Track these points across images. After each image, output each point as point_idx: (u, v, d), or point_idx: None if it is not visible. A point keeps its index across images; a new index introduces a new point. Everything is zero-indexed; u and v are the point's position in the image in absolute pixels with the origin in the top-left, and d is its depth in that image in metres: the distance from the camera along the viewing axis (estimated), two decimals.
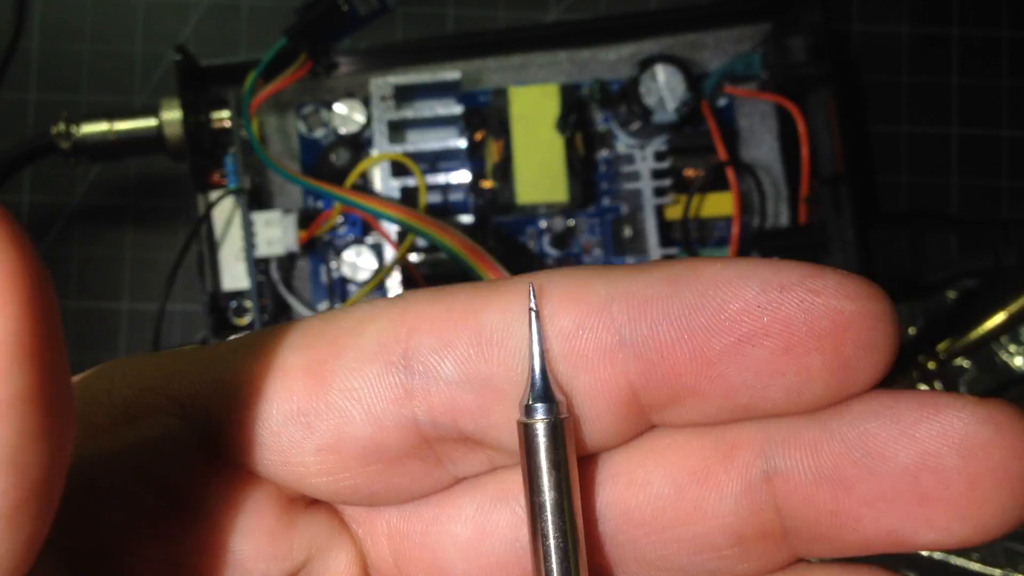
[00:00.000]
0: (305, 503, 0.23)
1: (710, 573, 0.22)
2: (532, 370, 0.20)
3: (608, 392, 0.20)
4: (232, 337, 0.23)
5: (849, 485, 0.20)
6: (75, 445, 0.20)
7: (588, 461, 0.22)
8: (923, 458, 0.19)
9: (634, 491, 0.22)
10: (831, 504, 0.20)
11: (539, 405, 0.20)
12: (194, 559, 0.21)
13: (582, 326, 0.20)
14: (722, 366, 0.20)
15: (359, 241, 0.62)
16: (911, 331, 0.65)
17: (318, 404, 0.21)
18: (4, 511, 0.14)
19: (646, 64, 0.59)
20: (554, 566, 0.21)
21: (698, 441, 0.21)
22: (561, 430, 0.20)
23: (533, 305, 0.20)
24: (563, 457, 0.21)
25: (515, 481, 0.22)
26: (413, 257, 0.61)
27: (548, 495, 0.21)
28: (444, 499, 0.23)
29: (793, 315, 0.19)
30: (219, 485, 0.21)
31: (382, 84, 0.60)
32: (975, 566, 0.62)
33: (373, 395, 0.21)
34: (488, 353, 0.21)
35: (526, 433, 0.21)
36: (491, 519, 0.22)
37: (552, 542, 0.21)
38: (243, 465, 0.21)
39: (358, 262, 0.61)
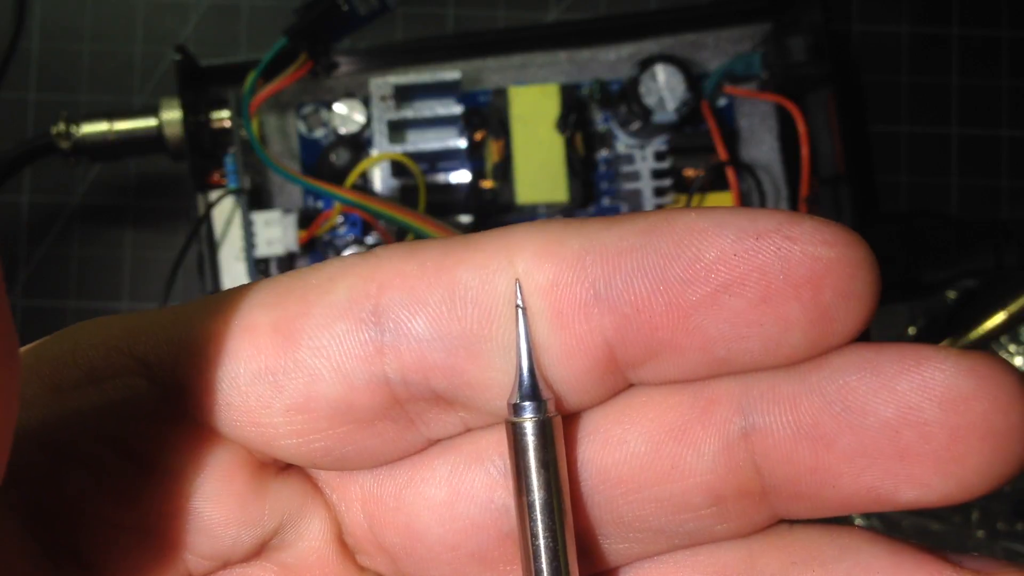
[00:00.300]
0: (276, 468, 0.22)
1: (688, 534, 0.21)
2: (519, 367, 0.20)
3: (585, 350, 0.20)
4: (202, 298, 0.22)
5: (829, 441, 0.19)
6: (40, 407, 0.20)
7: (564, 420, 0.21)
8: (904, 412, 0.18)
9: (610, 449, 0.21)
10: (811, 461, 0.19)
11: (527, 403, 0.20)
12: (162, 523, 0.21)
13: (556, 282, 0.20)
14: (699, 318, 0.19)
15: (359, 241, 0.62)
16: (911, 331, 0.65)
17: (286, 362, 0.20)
18: None
19: (646, 64, 0.59)
20: (544, 566, 0.20)
21: (676, 397, 0.21)
22: (550, 429, 0.20)
23: (519, 301, 0.20)
24: (552, 456, 0.20)
25: (489, 441, 0.22)
26: None
27: (537, 495, 0.20)
28: (417, 462, 0.22)
29: (770, 263, 0.18)
30: (187, 448, 0.21)
31: (382, 84, 0.60)
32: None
33: (343, 352, 0.20)
34: (462, 310, 0.20)
35: (515, 432, 0.20)
36: (465, 481, 0.22)
37: (542, 542, 0.20)
38: (212, 427, 0.21)
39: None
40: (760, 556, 0.21)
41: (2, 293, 0.15)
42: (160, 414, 0.21)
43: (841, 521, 0.21)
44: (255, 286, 0.21)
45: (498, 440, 0.21)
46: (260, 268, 0.60)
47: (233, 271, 0.59)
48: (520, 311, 0.20)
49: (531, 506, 0.20)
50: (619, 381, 0.21)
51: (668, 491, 0.21)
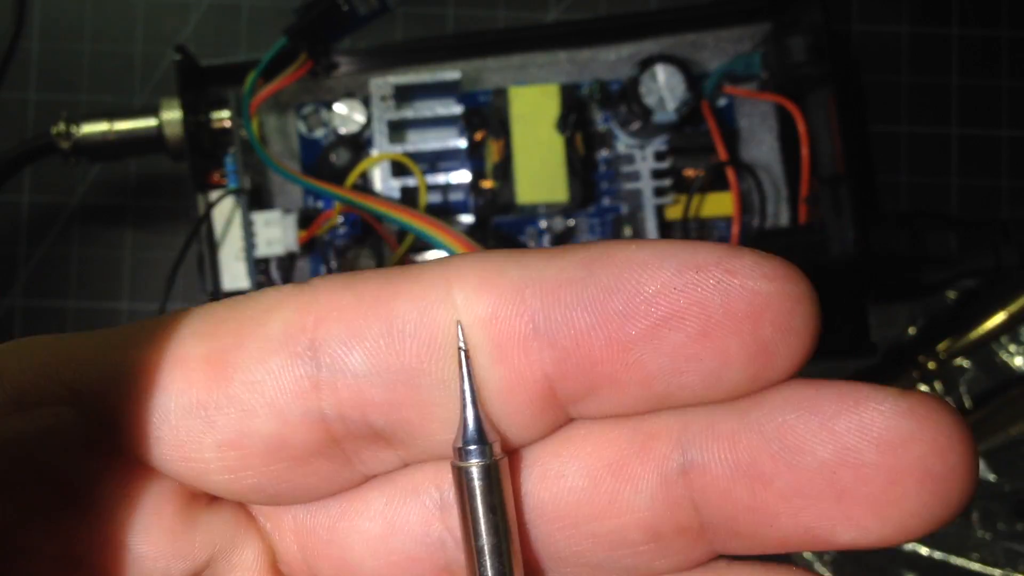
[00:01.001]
0: (208, 498, 0.22)
1: (626, 570, 0.21)
2: (463, 410, 0.20)
3: (525, 385, 0.20)
4: (136, 322, 0.21)
5: (766, 480, 0.19)
6: None
7: (505, 454, 0.21)
8: (842, 453, 0.18)
9: (547, 484, 0.21)
10: (748, 499, 0.19)
11: (472, 447, 0.20)
12: (92, 556, 0.20)
13: (495, 315, 0.19)
14: (638, 352, 0.19)
15: (359, 241, 0.62)
16: (911, 331, 0.65)
17: (219, 397, 0.20)
18: None
19: (646, 64, 0.59)
20: None
21: (615, 432, 0.21)
22: (496, 472, 0.20)
23: (462, 344, 0.19)
24: (499, 499, 0.20)
25: (425, 475, 0.21)
26: (413, 257, 0.61)
27: (486, 539, 0.20)
28: (352, 494, 0.22)
29: (709, 297, 0.18)
30: (115, 479, 0.20)
31: (382, 84, 0.60)
32: (975, 566, 0.62)
33: (277, 388, 0.20)
34: (400, 344, 0.19)
35: (461, 477, 0.20)
36: (400, 514, 0.21)
37: None
38: (141, 459, 0.20)
39: (358, 262, 0.61)
40: None
41: None
42: (88, 444, 0.20)
43: (782, 558, 0.21)
44: (190, 313, 0.21)
45: (434, 473, 0.21)
46: (260, 268, 0.60)
47: (233, 271, 0.59)
48: (462, 353, 0.19)
49: (480, 551, 0.20)
50: (559, 416, 0.21)
51: (606, 527, 0.21)
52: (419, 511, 0.21)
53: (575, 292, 0.19)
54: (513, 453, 0.21)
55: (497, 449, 0.20)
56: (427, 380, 0.20)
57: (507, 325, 0.19)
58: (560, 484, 0.21)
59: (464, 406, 0.20)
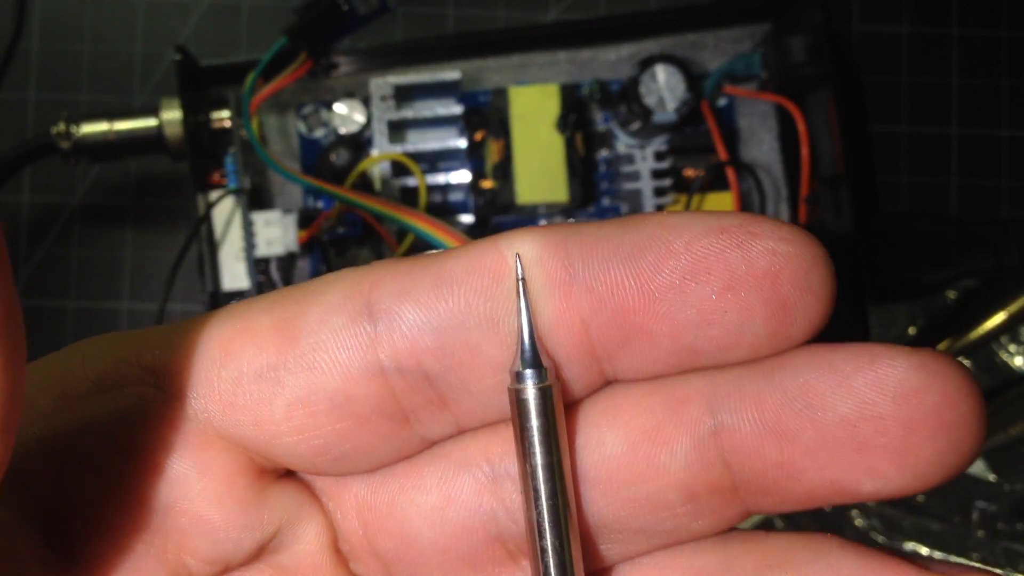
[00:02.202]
0: (275, 474, 0.23)
1: (667, 532, 0.22)
2: (520, 337, 0.21)
3: (563, 327, 0.21)
4: (206, 312, 0.23)
5: (792, 436, 0.20)
6: (51, 416, 0.21)
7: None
8: (861, 407, 0.20)
9: (589, 451, 0.22)
10: (776, 456, 0.21)
11: (528, 371, 0.21)
12: (169, 525, 0.21)
13: (538, 260, 0.21)
14: (668, 303, 0.20)
15: (359, 241, 0.62)
16: (911, 331, 0.65)
17: (286, 358, 0.21)
18: None
19: (646, 64, 0.59)
20: (547, 527, 0.21)
21: (649, 399, 0.22)
22: (550, 395, 0.21)
23: (520, 273, 0.21)
24: (552, 421, 0.21)
25: (477, 447, 0.23)
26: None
27: (540, 459, 0.21)
28: (409, 469, 0.23)
29: (733, 255, 0.20)
30: (191, 453, 0.22)
31: (382, 84, 0.60)
32: (975, 566, 0.62)
33: (339, 344, 0.21)
34: (448, 294, 0.21)
35: (517, 399, 0.21)
36: (455, 486, 0.23)
37: (544, 504, 0.21)
38: (215, 431, 0.22)
39: (358, 262, 0.61)
40: (737, 559, 0.22)
41: (13, 297, 0.16)
42: (167, 420, 0.22)
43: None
44: (256, 297, 0.23)
45: (485, 445, 0.23)
46: (260, 268, 0.60)
47: (233, 271, 0.59)
48: (520, 282, 0.21)
49: (534, 470, 0.21)
50: (596, 371, 0.22)
51: (645, 490, 0.22)
52: (472, 483, 0.23)
53: (611, 246, 0.21)
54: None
55: (551, 374, 0.21)
56: (474, 321, 0.21)
57: (548, 268, 0.21)
58: (600, 451, 0.22)
59: (521, 332, 0.21)
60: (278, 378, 0.21)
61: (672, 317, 0.20)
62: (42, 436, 0.21)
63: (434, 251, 0.22)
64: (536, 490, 0.21)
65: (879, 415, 0.19)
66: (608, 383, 0.22)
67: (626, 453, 0.22)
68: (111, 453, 0.21)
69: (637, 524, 0.22)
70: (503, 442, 0.23)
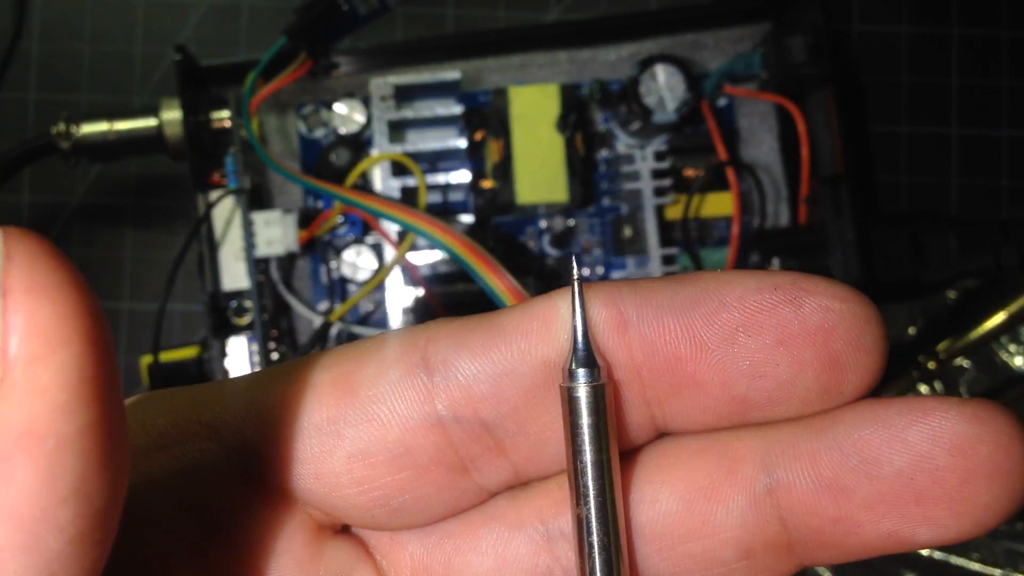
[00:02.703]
0: (332, 531, 0.23)
1: None
2: (575, 336, 0.21)
3: (617, 370, 0.22)
4: (153, 358, 0.23)
5: (849, 492, 0.21)
6: None
7: None
8: (917, 460, 0.20)
9: (644, 508, 0.22)
10: (833, 512, 0.21)
11: (581, 370, 0.21)
12: None
13: (594, 312, 0.21)
14: (719, 353, 0.21)
15: (359, 241, 0.62)
16: (911, 331, 0.65)
17: (346, 411, 0.22)
18: (72, 537, 0.15)
19: (646, 64, 0.59)
20: (595, 524, 0.21)
21: (702, 457, 0.22)
22: (602, 394, 0.21)
23: (576, 274, 0.21)
24: (604, 420, 0.21)
25: (532, 508, 0.23)
26: (413, 257, 0.61)
27: (590, 456, 0.21)
28: (464, 530, 0.23)
29: (785, 310, 0.20)
30: (254, 510, 0.22)
31: (382, 84, 0.60)
32: (975, 566, 0.62)
33: (397, 397, 0.22)
34: (501, 343, 0.22)
35: (569, 396, 0.21)
36: (511, 547, 0.23)
37: (593, 501, 0.21)
38: (276, 487, 0.22)
39: (358, 262, 0.61)
40: None
41: (118, 380, 0.16)
42: (227, 476, 0.22)
43: None
44: (315, 354, 0.23)
45: (539, 507, 0.23)
46: (260, 268, 0.60)
47: (233, 271, 0.59)
48: (576, 283, 0.21)
49: (583, 467, 0.21)
50: (647, 417, 0.22)
51: (700, 547, 0.22)
52: (527, 544, 0.23)
53: (665, 298, 0.21)
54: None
55: (603, 373, 0.21)
56: (528, 367, 0.22)
57: (604, 315, 0.21)
58: (655, 508, 0.22)
59: (575, 332, 0.21)
60: (338, 431, 0.22)
61: (724, 367, 0.21)
62: None
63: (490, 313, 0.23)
64: (585, 487, 0.21)
65: (935, 467, 0.20)
66: (660, 435, 0.23)
67: (681, 511, 0.22)
68: (174, 510, 0.21)
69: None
70: (555, 503, 0.23)
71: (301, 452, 0.22)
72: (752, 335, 0.20)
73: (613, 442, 0.22)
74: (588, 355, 0.21)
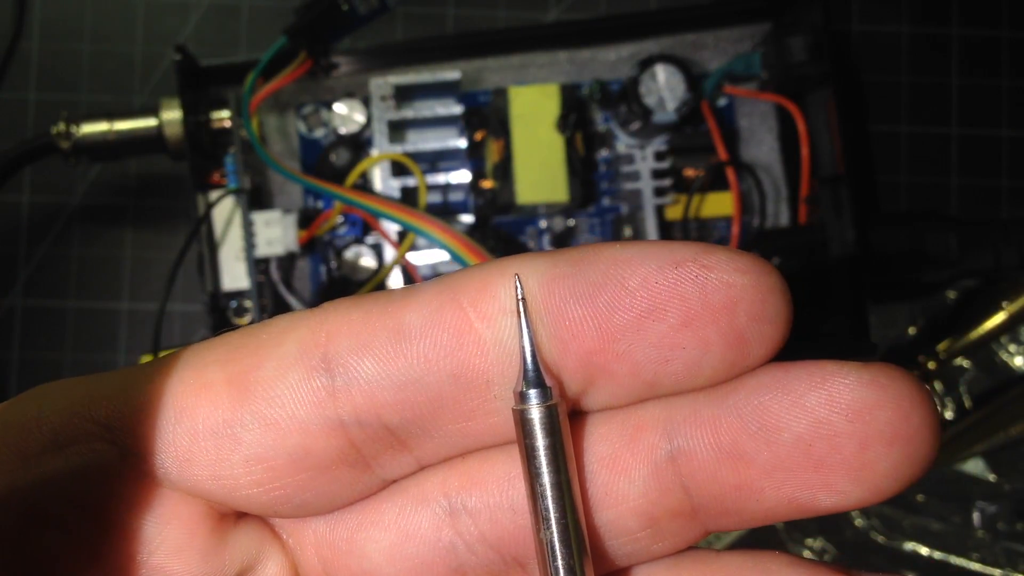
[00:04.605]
0: (235, 516, 0.23)
1: (626, 556, 0.22)
2: (523, 356, 0.21)
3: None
4: (157, 358, 0.23)
5: (749, 459, 0.21)
6: (7, 473, 0.21)
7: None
8: (815, 426, 0.20)
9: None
10: (734, 478, 0.21)
11: (532, 391, 0.21)
12: None
13: (501, 311, 0.21)
14: (627, 342, 0.20)
15: (359, 241, 0.62)
16: (911, 331, 0.65)
17: (243, 414, 0.21)
18: None
19: (646, 64, 0.59)
20: (558, 549, 0.21)
21: (604, 426, 0.22)
22: (556, 414, 0.21)
23: (520, 293, 0.21)
24: (559, 440, 0.21)
25: (434, 482, 0.23)
26: (413, 257, 0.61)
27: (548, 479, 0.21)
28: (367, 505, 0.23)
29: (688, 289, 0.20)
30: (153, 507, 0.22)
31: (382, 84, 0.60)
32: (975, 566, 0.62)
33: (297, 400, 0.21)
34: (407, 348, 0.21)
35: (522, 419, 0.21)
36: (413, 522, 0.23)
37: (555, 525, 0.21)
38: (173, 483, 0.22)
39: (358, 262, 0.61)
40: None
41: None
42: (123, 475, 0.21)
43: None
44: (207, 344, 0.22)
45: (442, 480, 0.23)
46: (260, 268, 0.60)
47: (233, 271, 0.59)
48: (520, 303, 0.21)
49: (543, 491, 0.21)
50: (567, 406, 0.22)
51: (604, 518, 0.22)
52: (430, 518, 0.23)
53: (567, 286, 0.20)
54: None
55: (555, 393, 0.21)
56: (436, 377, 0.21)
57: (511, 319, 0.21)
58: None
59: (523, 353, 0.21)
60: (235, 435, 0.21)
61: (632, 356, 0.20)
62: (2, 494, 0.21)
63: (388, 293, 0.22)
64: (547, 511, 0.21)
65: (834, 433, 0.20)
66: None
67: (584, 482, 0.22)
68: (70, 511, 0.21)
69: (596, 550, 0.22)
70: (460, 476, 0.23)
71: (197, 455, 0.21)
72: (657, 319, 0.20)
73: (570, 461, 0.21)
74: (538, 376, 0.21)
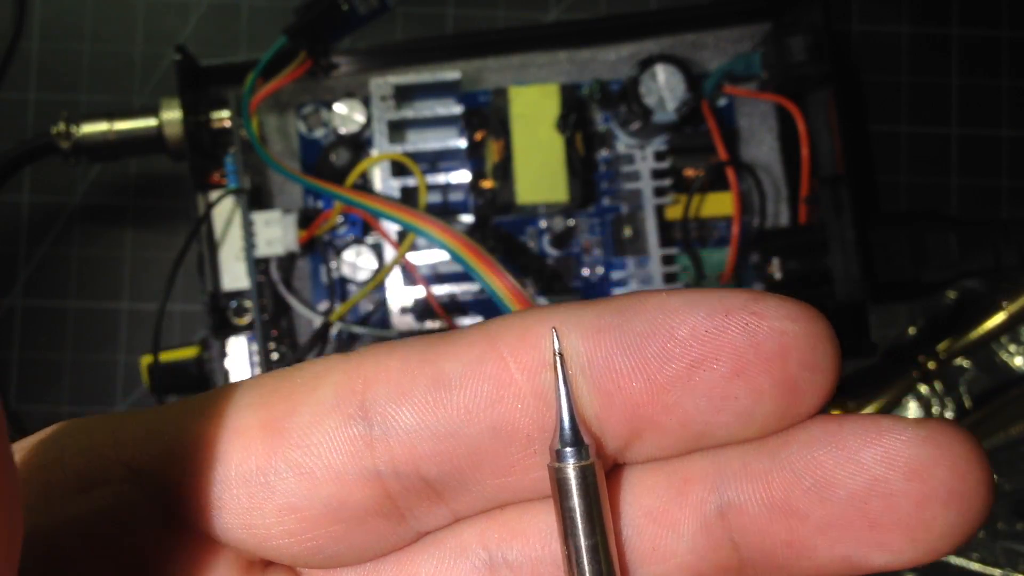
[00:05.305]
0: (263, 565, 0.22)
1: None
2: (560, 414, 0.20)
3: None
4: (182, 399, 0.22)
5: (801, 515, 0.20)
6: (32, 514, 0.20)
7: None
8: (871, 484, 0.19)
9: None
10: (785, 535, 0.20)
11: (568, 449, 0.20)
12: None
13: (542, 362, 0.20)
14: (676, 393, 0.20)
15: (359, 241, 0.62)
16: (911, 331, 0.65)
17: (277, 462, 0.21)
18: None
19: (646, 64, 0.59)
20: None
21: (652, 479, 0.21)
22: (593, 473, 0.20)
23: (558, 348, 0.20)
24: (596, 500, 0.20)
25: (471, 533, 0.22)
26: (413, 257, 0.61)
27: (584, 541, 0.20)
28: (400, 557, 0.22)
29: (739, 338, 0.19)
30: (177, 552, 0.21)
31: (382, 84, 0.60)
32: (975, 566, 0.62)
33: (333, 449, 0.20)
34: (447, 398, 0.20)
35: (558, 478, 0.20)
36: (451, 574, 0.22)
37: None
38: (202, 530, 0.21)
39: (358, 262, 0.61)
40: None
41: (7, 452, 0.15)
42: (150, 519, 0.21)
43: None
44: (241, 386, 0.22)
45: (480, 531, 0.22)
46: (260, 268, 0.60)
47: (233, 271, 0.59)
48: (558, 358, 0.20)
49: (578, 552, 0.20)
50: (607, 464, 0.21)
51: (650, 573, 0.21)
52: (468, 570, 0.22)
53: (613, 337, 0.20)
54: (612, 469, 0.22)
55: (592, 451, 0.20)
56: (475, 429, 0.20)
57: (551, 370, 0.20)
58: None
59: (560, 409, 0.20)
60: (268, 483, 0.21)
61: (681, 407, 0.20)
62: (25, 535, 0.20)
63: (426, 339, 0.21)
64: (581, 572, 0.20)
65: (890, 491, 0.19)
66: (616, 465, 0.22)
67: (630, 536, 0.21)
68: (94, 554, 0.20)
69: None
70: (499, 528, 0.22)
71: (228, 502, 0.21)
72: (708, 369, 0.20)
73: (607, 521, 0.21)
74: (575, 433, 0.20)
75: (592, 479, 0.20)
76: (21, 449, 0.21)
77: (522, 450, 0.21)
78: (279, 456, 0.21)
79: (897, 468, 0.19)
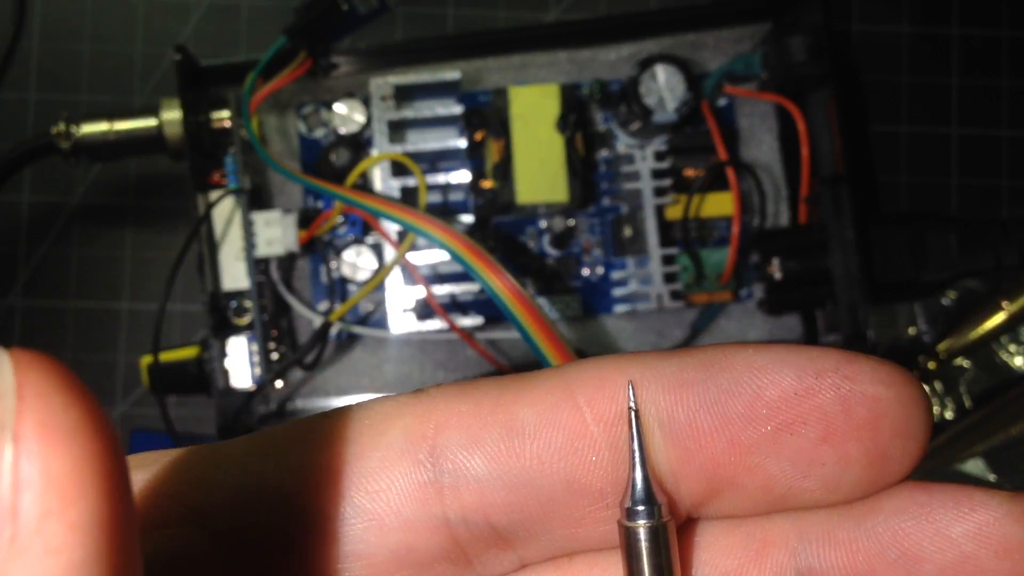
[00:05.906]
0: None
1: None
2: (633, 471, 0.20)
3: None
4: (245, 435, 0.22)
5: None
6: None
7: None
8: (960, 560, 0.19)
9: None
10: None
11: (641, 507, 0.20)
12: None
13: (621, 413, 0.20)
14: (761, 456, 0.19)
15: (359, 241, 0.62)
16: (911, 331, 0.65)
17: (344, 508, 0.20)
18: None
19: (646, 64, 0.59)
20: None
21: (729, 539, 0.21)
22: (664, 533, 0.20)
23: (633, 404, 0.20)
24: (667, 561, 0.20)
25: None
26: (413, 257, 0.61)
27: None
28: None
29: (830, 402, 0.19)
30: None
31: (382, 84, 0.60)
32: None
33: (402, 496, 0.20)
34: (520, 447, 0.20)
35: (628, 537, 0.20)
36: None
37: None
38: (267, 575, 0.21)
39: (358, 262, 0.61)
40: None
41: (132, 509, 0.14)
42: (213, 561, 0.20)
43: None
44: (305, 425, 0.21)
45: None
46: (260, 268, 0.60)
47: (233, 271, 0.59)
48: (634, 413, 0.20)
49: None
50: (679, 519, 0.21)
51: None
52: None
53: (697, 393, 0.19)
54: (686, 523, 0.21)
55: (665, 511, 0.20)
56: (549, 480, 0.20)
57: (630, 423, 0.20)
58: None
59: (633, 466, 0.20)
60: (335, 528, 0.20)
61: (764, 470, 0.19)
62: None
63: (499, 382, 0.21)
64: None
65: (980, 569, 0.18)
66: (689, 520, 0.21)
67: None
68: None
69: None
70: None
71: (294, 547, 0.20)
72: (795, 433, 0.19)
73: None
74: (648, 492, 0.19)
75: (664, 539, 0.20)
76: None
77: (594, 503, 0.20)
78: (347, 501, 0.20)
79: (989, 545, 0.18)
